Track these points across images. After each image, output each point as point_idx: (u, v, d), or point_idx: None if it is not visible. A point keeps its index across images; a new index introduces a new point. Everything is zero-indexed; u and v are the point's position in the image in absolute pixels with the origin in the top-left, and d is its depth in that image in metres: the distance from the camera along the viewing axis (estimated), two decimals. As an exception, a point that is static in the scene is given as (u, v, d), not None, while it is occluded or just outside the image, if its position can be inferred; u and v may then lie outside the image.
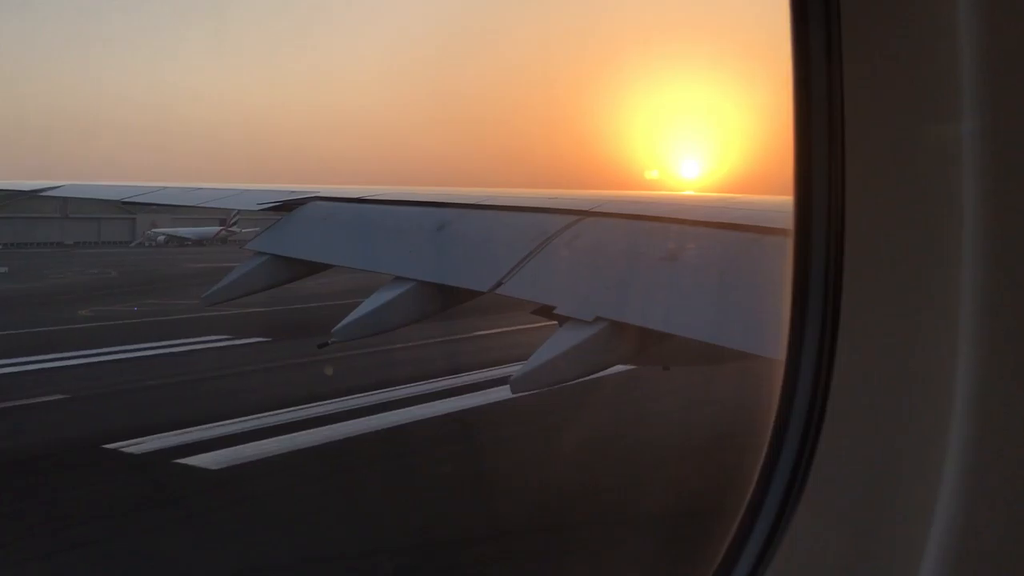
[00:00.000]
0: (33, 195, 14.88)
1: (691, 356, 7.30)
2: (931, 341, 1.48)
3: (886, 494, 1.54)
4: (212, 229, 65.49)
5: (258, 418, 11.57)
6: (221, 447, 10.29)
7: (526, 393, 6.60)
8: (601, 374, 6.59)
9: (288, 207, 9.33)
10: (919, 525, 1.45)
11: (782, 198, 6.45)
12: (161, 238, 66.39)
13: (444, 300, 7.44)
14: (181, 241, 65.09)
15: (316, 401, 12.45)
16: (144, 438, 10.67)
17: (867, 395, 1.58)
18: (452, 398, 13.14)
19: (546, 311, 6.58)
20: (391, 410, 12.28)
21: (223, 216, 61.24)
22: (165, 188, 13.08)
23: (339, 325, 7.30)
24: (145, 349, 17.99)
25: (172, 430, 10.97)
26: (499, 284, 6.57)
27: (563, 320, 6.09)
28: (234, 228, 63.61)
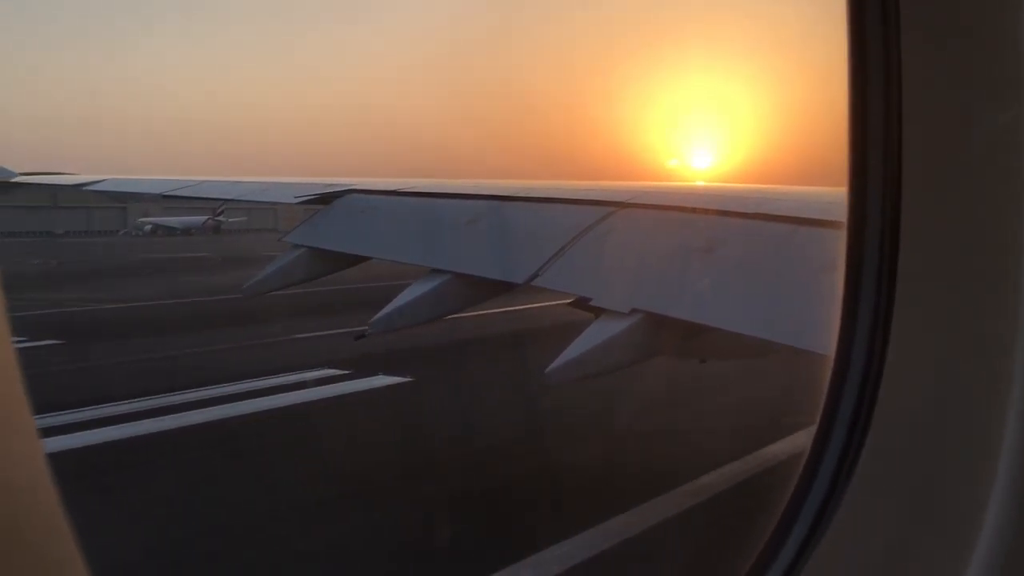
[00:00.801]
0: (77, 189, 15.15)
1: (729, 349, 7.23)
2: (987, 341, 1.45)
3: (933, 498, 1.51)
4: (199, 219, 65.04)
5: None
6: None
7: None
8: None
9: (325, 200, 9.39)
10: (967, 531, 1.41)
11: (822, 188, 6.36)
12: (148, 227, 66.32)
13: (480, 292, 7.46)
14: (169, 231, 64.95)
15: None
16: None
17: (918, 394, 1.55)
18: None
19: (583, 303, 6.57)
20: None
21: (222, 208, 62.12)
22: (204, 182, 13.24)
23: (376, 317, 7.35)
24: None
25: None
26: (535, 276, 6.57)
27: (599, 312, 6.08)
28: (220, 218, 63.70)
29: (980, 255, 1.44)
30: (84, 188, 14.69)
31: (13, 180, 16.75)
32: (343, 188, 9.45)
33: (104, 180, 14.34)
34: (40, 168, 17.77)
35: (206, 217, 64.36)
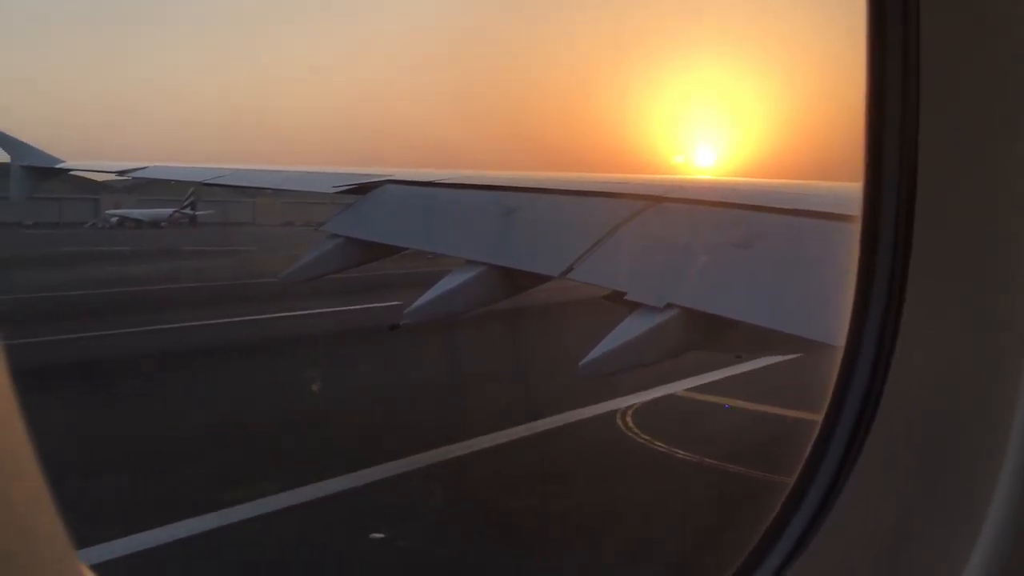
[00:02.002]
0: (120, 175, 15.40)
1: (764, 345, 7.19)
2: (997, 337, 1.45)
3: (938, 488, 1.51)
4: (167, 211, 64.47)
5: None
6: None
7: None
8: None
9: (363, 190, 9.47)
10: (967, 531, 1.42)
11: (856, 184, 6.28)
12: (114, 220, 65.21)
13: (514, 284, 7.49)
14: (137, 223, 63.98)
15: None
16: None
17: (923, 394, 1.56)
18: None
19: (617, 297, 6.57)
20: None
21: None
22: (242, 170, 13.41)
23: (410, 308, 7.41)
24: None
25: None
26: (569, 269, 6.58)
27: (633, 306, 6.07)
28: (187, 211, 63.33)
29: (992, 260, 1.45)
30: (128, 174, 14.94)
31: (58, 167, 17.09)
32: (381, 178, 9.52)
33: (146, 167, 14.58)
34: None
35: (173, 210, 63.78)
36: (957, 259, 1.51)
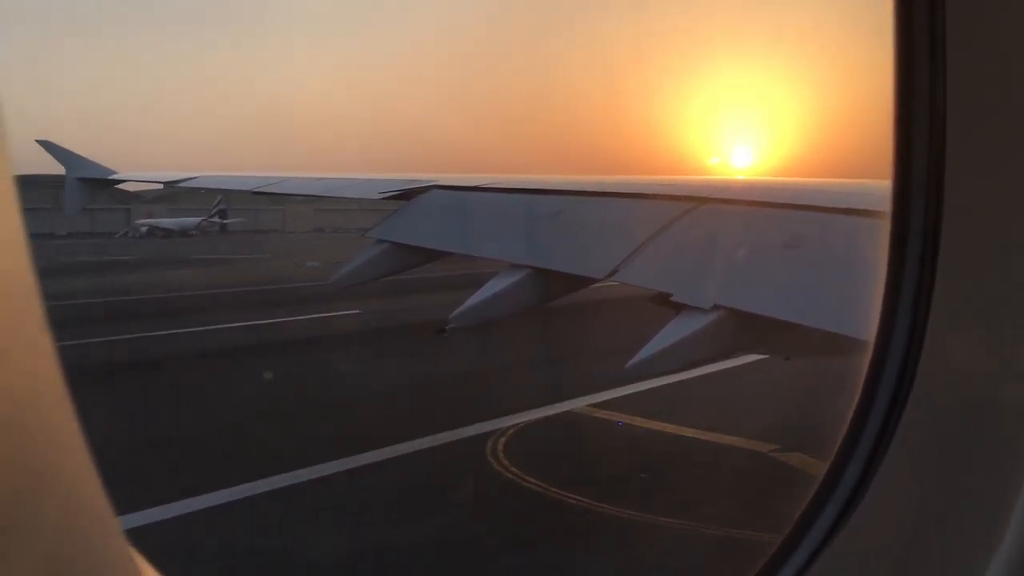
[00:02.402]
0: (170, 186, 15.77)
1: (814, 346, 7.10)
2: (1022, 342, 1.44)
3: (961, 496, 1.50)
4: (195, 220, 65.43)
5: None
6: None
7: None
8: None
9: (408, 196, 9.57)
10: (991, 532, 1.40)
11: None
12: (144, 229, 66.16)
13: (559, 287, 7.50)
14: (167, 232, 64.80)
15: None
16: None
17: (950, 395, 1.56)
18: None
19: (663, 300, 6.54)
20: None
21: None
22: (289, 179, 13.64)
23: (455, 312, 7.47)
24: None
25: None
26: (614, 271, 6.57)
27: (680, 308, 6.05)
28: (215, 220, 64.29)
29: (1020, 251, 1.44)
30: (178, 185, 15.29)
31: (112, 178, 17.53)
32: (425, 184, 9.61)
33: (196, 177, 14.90)
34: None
35: (201, 219, 64.81)
36: (984, 257, 1.50)
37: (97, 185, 17.97)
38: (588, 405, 12.37)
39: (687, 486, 9.25)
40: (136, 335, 18.81)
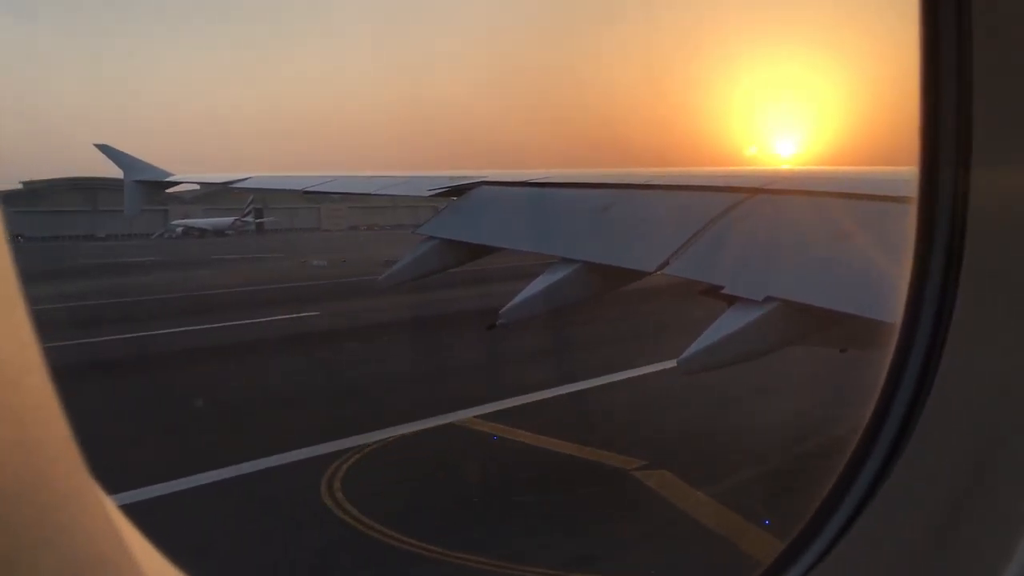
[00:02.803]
0: (225, 187, 16.11)
1: (870, 338, 6.97)
2: None
3: (980, 495, 1.49)
4: (228, 220, 66.40)
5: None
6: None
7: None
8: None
9: (457, 192, 9.63)
10: (1009, 536, 1.38)
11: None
12: (179, 230, 67.69)
13: (609, 281, 7.50)
14: (202, 232, 66.17)
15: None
16: None
17: (974, 388, 1.54)
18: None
19: (714, 292, 6.49)
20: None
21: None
22: (340, 178, 13.83)
23: (506, 307, 7.49)
24: None
25: None
26: (665, 264, 6.53)
27: (732, 300, 5.99)
28: (248, 219, 65.34)
29: None
30: (232, 186, 15.61)
31: (167, 180, 17.97)
32: (474, 180, 9.66)
33: (249, 178, 15.20)
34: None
35: (234, 219, 66.00)
36: (1012, 252, 1.48)
37: (153, 188, 18.44)
38: (475, 416, 11.06)
39: (503, 517, 8.05)
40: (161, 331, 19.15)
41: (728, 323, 5.79)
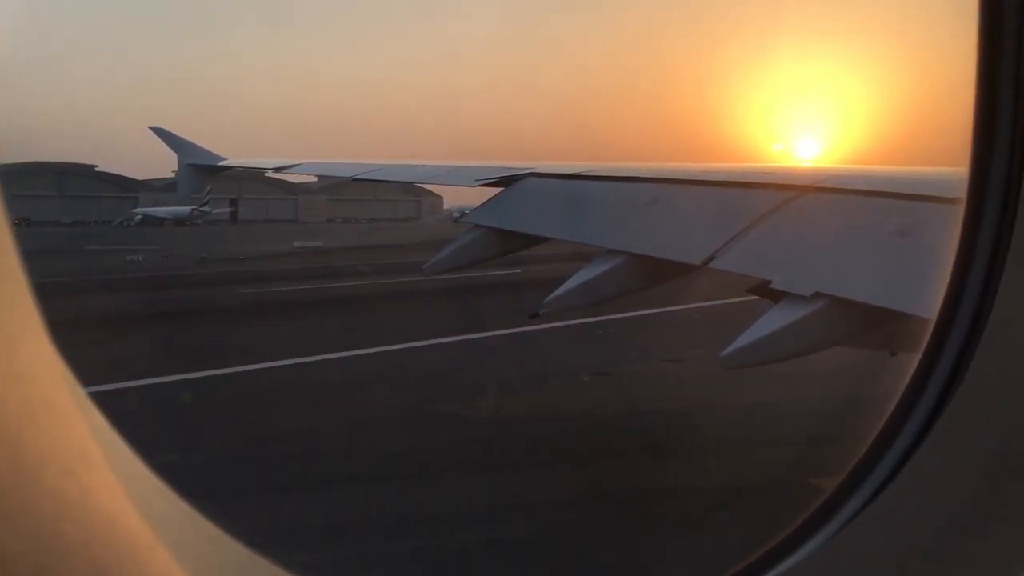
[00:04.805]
0: (275, 172, 16.34)
1: (922, 340, 6.84)
2: None
3: (998, 497, 1.48)
4: (185, 209, 64.17)
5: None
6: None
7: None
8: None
9: (505, 183, 9.67)
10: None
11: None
12: (138, 218, 65.94)
13: (654, 274, 7.46)
14: (160, 221, 64.43)
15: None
16: None
17: (1002, 391, 1.54)
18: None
19: (761, 290, 6.42)
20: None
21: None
22: (389, 165, 13.95)
23: (550, 296, 7.51)
24: None
25: None
26: (712, 258, 6.48)
27: (779, 297, 5.92)
28: (205, 208, 63.20)
29: None
30: (281, 170, 15.83)
31: (220, 164, 18.28)
32: (522, 172, 9.69)
33: (299, 164, 15.39)
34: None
35: (191, 208, 63.64)
36: None
37: (207, 171, 18.76)
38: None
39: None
40: None
41: (775, 319, 5.72)
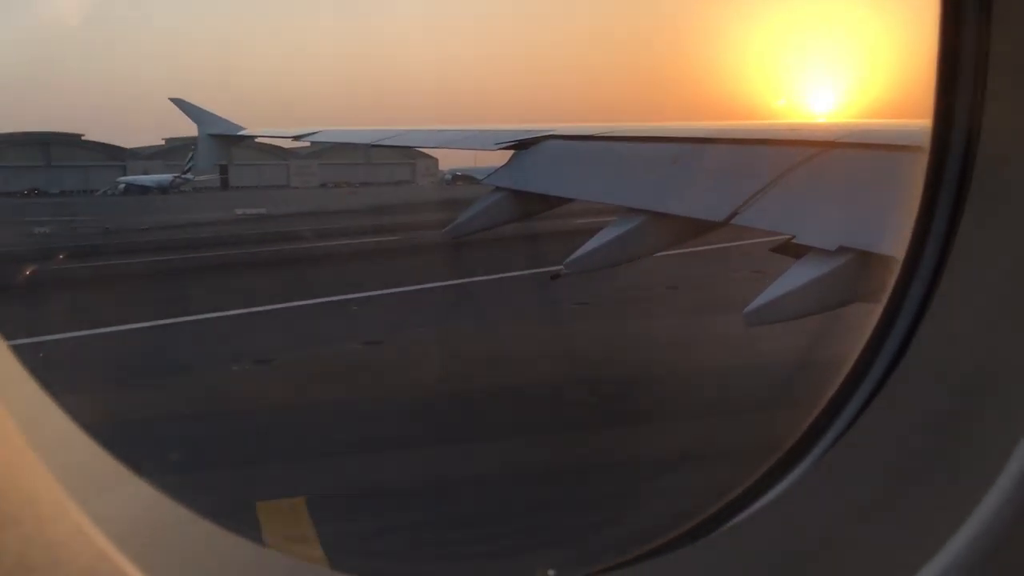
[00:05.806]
0: (296, 140, 16.35)
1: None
2: None
3: (956, 436, 1.47)
4: (168, 176, 64.08)
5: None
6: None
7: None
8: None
9: (524, 145, 9.63)
10: (965, 498, 1.35)
11: None
12: (122, 187, 65.41)
13: (677, 232, 7.44)
14: (144, 189, 63.82)
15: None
16: None
17: (972, 307, 1.55)
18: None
19: (785, 248, 6.37)
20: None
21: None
22: (408, 131, 13.92)
23: (571, 257, 7.51)
24: None
25: None
26: (734, 214, 6.44)
27: (803, 252, 5.88)
28: (188, 175, 61.83)
29: None
30: (301, 138, 15.85)
31: (241, 134, 18.32)
32: (542, 134, 9.65)
33: (320, 131, 15.41)
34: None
35: (174, 175, 63.41)
36: (1014, 214, 1.47)
37: (227, 141, 18.80)
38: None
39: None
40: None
41: (798, 274, 5.69)
